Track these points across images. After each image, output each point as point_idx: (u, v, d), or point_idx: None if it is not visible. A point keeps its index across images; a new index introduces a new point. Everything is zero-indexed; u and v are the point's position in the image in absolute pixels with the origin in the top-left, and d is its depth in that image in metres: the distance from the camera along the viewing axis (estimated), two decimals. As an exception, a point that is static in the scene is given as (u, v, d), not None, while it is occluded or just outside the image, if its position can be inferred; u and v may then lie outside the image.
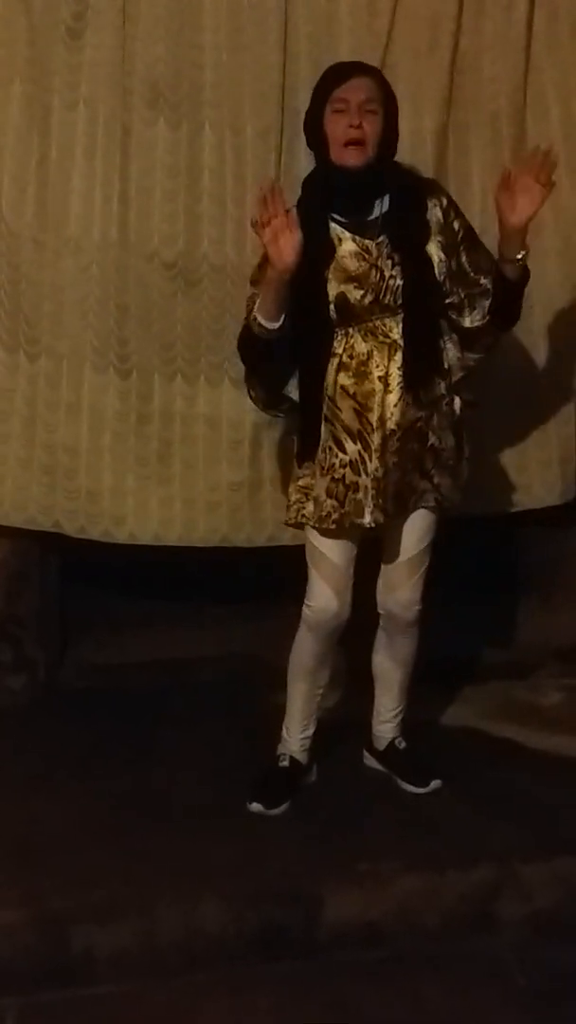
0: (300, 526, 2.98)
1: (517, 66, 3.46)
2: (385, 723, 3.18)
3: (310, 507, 2.92)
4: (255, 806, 2.98)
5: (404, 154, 3.40)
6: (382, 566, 3.03)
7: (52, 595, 3.65)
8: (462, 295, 2.90)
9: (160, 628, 3.73)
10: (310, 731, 3.10)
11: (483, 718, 3.52)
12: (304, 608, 2.99)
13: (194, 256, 3.35)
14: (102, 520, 3.44)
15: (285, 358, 2.88)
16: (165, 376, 3.39)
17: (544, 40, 3.48)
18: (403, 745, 3.18)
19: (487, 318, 2.89)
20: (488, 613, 3.86)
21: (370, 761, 3.23)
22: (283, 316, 2.78)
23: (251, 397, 3.06)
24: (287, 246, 2.70)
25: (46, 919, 2.58)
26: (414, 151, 3.42)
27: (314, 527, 2.92)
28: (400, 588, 3.01)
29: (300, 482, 2.95)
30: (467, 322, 2.91)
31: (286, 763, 3.09)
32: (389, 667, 3.12)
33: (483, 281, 2.89)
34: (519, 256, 2.81)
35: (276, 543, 3.47)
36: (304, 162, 3.35)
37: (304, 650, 3.02)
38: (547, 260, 3.57)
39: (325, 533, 2.93)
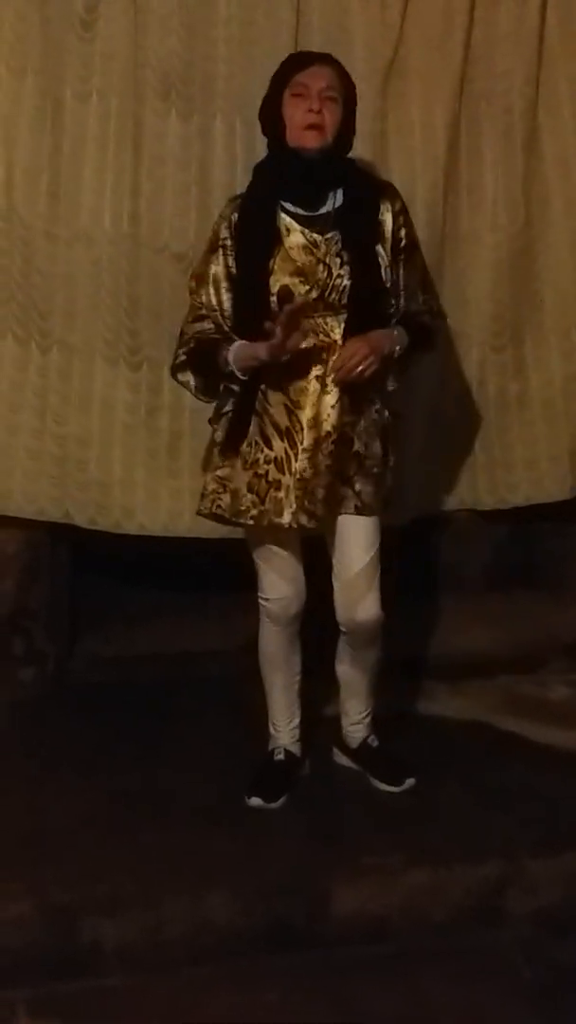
0: (216, 518, 2.91)
1: (530, 59, 3.46)
2: (355, 724, 3.13)
3: (226, 499, 2.85)
4: (254, 801, 2.97)
5: (416, 146, 3.43)
6: (335, 584, 2.94)
7: (62, 588, 3.66)
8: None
9: (170, 621, 3.74)
10: (296, 721, 3.09)
11: (490, 712, 3.52)
12: (261, 602, 2.97)
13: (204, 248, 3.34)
14: (112, 511, 3.45)
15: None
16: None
17: (557, 33, 3.48)
18: (376, 743, 3.13)
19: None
20: (496, 608, 3.86)
21: (340, 759, 3.18)
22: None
23: (181, 383, 3.00)
24: (292, 347, 2.68)
25: (55, 911, 2.58)
26: (426, 144, 3.43)
27: (228, 519, 2.87)
28: (359, 603, 2.91)
29: (218, 472, 2.88)
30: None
31: (281, 756, 3.09)
32: (355, 675, 3.06)
33: (402, 303, 2.86)
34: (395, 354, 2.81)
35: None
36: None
37: (270, 642, 3.01)
38: (558, 255, 3.57)
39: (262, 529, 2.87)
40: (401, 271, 2.86)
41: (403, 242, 2.87)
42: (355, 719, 3.13)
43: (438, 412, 3.56)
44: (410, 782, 3.07)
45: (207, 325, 2.87)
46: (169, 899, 2.63)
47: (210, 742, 3.30)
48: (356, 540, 2.89)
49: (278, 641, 3.00)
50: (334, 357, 2.76)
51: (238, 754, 3.20)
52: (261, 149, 3.29)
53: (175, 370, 2.97)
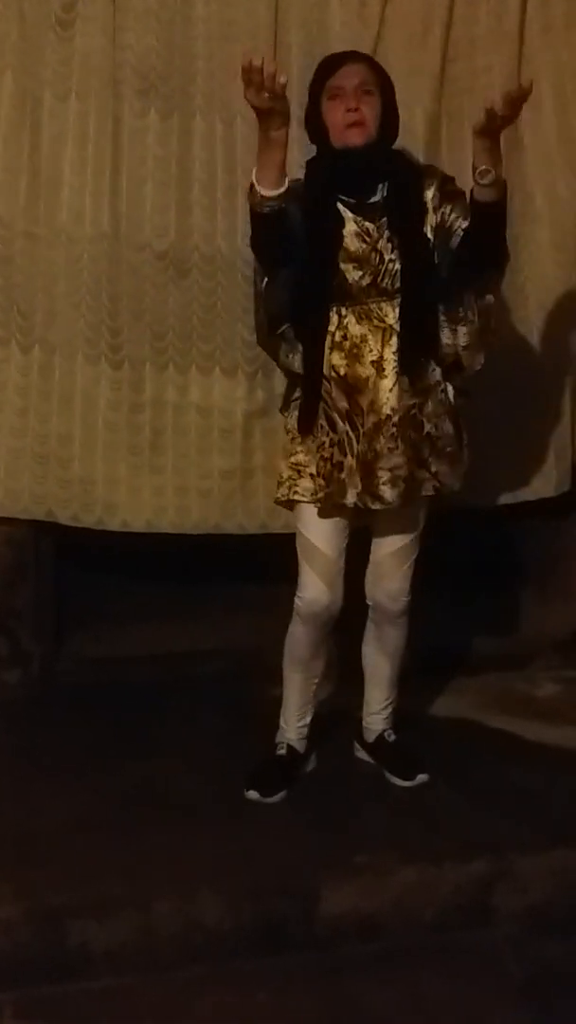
0: (290, 504, 2.96)
1: (511, 55, 3.46)
2: (374, 715, 3.17)
3: (304, 483, 2.91)
4: (251, 794, 2.98)
5: (397, 142, 3.41)
6: (371, 558, 3.02)
7: (48, 588, 3.65)
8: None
9: (157, 621, 3.72)
10: (307, 719, 3.11)
11: (479, 710, 3.52)
12: (296, 600, 2.98)
13: (185, 246, 3.36)
14: (95, 508, 3.45)
15: (290, 243, 2.78)
16: (157, 366, 3.41)
17: (538, 29, 3.48)
18: (392, 738, 3.17)
19: (468, 238, 2.79)
20: (484, 604, 3.86)
21: (360, 753, 3.22)
22: (285, 181, 2.72)
23: (256, 325, 3.00)
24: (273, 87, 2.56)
25: (43, 913, 2.57)
26: (404, 139, 3.41)
27: (307, 502, 2.91)
28: (388, 578, 3.01)
29: (292, 459, 2.94)
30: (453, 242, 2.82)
31: (283, 751, 3.10)
32: (379, 659, 3.12)
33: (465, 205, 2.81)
34: (485, 171, 2.69)
35: (268, 531, 3.49)
36: (295, 153, 3.33)
37: (297, 641, 3.02)
38: (542, 252, 3.57)
39: (315, 524, 2.92)
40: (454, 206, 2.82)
41: (449, 202, 2.83)
42: (375, 709, 3.16)
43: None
44: (422, 778, 3.09)
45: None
46: (158, 900, 2.62)
47: (199, 742, 3.29)
48: (401, 520, 2.96)
49: (305, 641, 3.01)
50: (391, 345, 2.80)
51: (228, 754, 3.20)
52: (240, 147, 3.32)
53: (256, 306, 2.96)
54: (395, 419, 2.84)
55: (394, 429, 2.84)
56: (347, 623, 3.05)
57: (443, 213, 2.84)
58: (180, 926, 2.61)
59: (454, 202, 2.84)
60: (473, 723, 3.45)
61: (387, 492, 2.85)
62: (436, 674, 3.57)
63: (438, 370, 2.93)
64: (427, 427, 2.90)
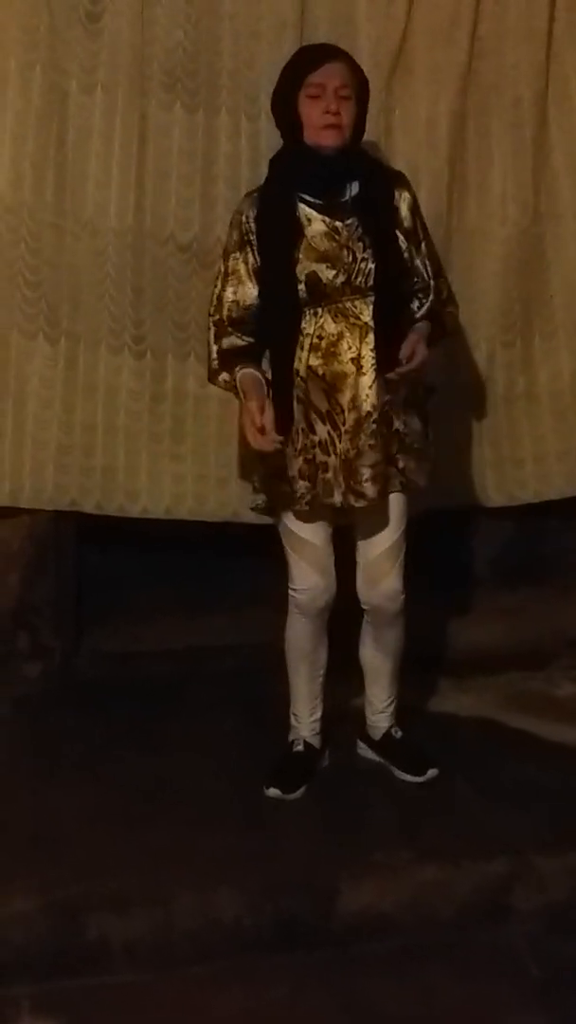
0: (269, 512, 2.98)
1: (539, 52, 3.44)
2: (379, 713, 3.15)
3: (282, 487, 2.91)
4: (272, 791, 2.98)
5: (422, 140, 3.42)
6: (359, 562, 3.00)
7: (68, 583, 3.65)
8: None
9: (176, 617, 3.72)
10: (318, 714, 3.10)
11: (498, 709, 3.50)
12: (291, 593, 2.99)
13: (208, 239, 3.36)
14: (117, 496, 3.48)
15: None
16: (179, 356, 3.43)
17: (566, 26, 3.46)
18: (399, 734, 3.15)
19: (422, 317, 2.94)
20: (504, 604, 3.84)
21: (365, 751, 3.19)
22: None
23: (221, 385, 3.04)
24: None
25: (61, 908, 2.57)
26: (432, 137, 3.43)
27: (289, 510, 2.92)
28: (382, 580, 2.98)
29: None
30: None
31: (300, 748, 3.10)
32: (378, 659, 3.10)
33: (425, 278, 2.94)
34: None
35: None
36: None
37: (297, 634, 3.02)
38: (567, 247, 3.55)
39: (300, 515, 2.93)
40: (421, 252, 2.94)
41: (417, 228, 2.93)
42: (378, 708, 3.15)
43: (446, 407, 3.54)
44: (432, 772, 3.08)
45: (237, 341, 2.94)
46: (177, 896, 2.62)
47: (218, 737, 3.29)
48: (383, 519, 2.94)
49: (306, 633, 3.02)
50: (368, 342, 2.82)
51: (246, 749, 3.20)
52: (265, 142, 3.32)
53: (212, 376, 3.03)
54: (375, 416, 2.84)
55: (374, 426, 2.84)
56: (357, 621, 3.05)
57: (417, 248, 2.92)
58: (198, 922, 2.61)
59: (426, 251, 2.94)
60: (492, 722, 3.44)
61: (369, 489, 2.85)
62: (455, 673, 3.56)
63: None
64: (396, 423, 2.90)
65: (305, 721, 3.10)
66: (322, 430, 2.87)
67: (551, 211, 3.52)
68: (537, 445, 3.63)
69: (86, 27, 3.25)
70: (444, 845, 2.80)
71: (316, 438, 2.87)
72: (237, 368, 2.93)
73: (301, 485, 2.88)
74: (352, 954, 2.63)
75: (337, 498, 2.87)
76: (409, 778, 3.08)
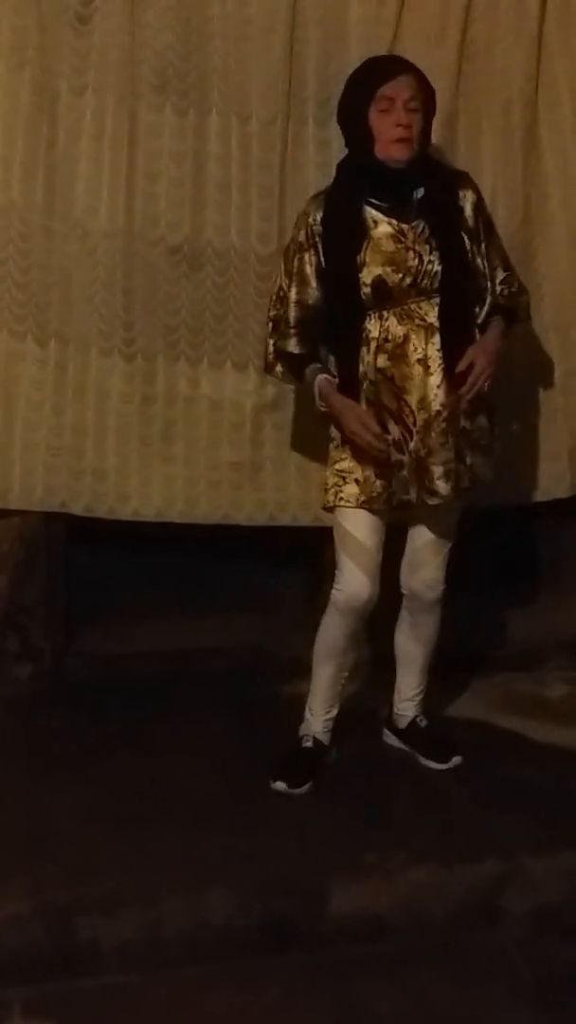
0: (333, 508, 3.01)
1: (530, 55, 3.44)
2: (407, 701, 3.22)
3: (349, 488, 2.96)
4: (279, 785, 3.00)
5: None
6: (407, 547, 3.08)
7: (58, 584, 3.65)
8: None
9: (166, 618, 3.72)
10: (333, 713, 3.13)
11: (489, 710, 3.52)
12: (334, 592, 3.02)
13: (198, 241, 3.36)
14: (107, 498, 3.47)
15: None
16: (169, 359, 3.42)
17: (556, 28, 3.47)
18: (425, 723, 3.22)
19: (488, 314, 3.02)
20: (496, 605, 3.85)
21: (390, 739, 3.26)
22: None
23: (276, 375, 3.15)
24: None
25: (52, 910, 2.57)
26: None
27: (354, 507, 2.96)
28: (425, 568, 3.06)
29: (337, 466, 2.99)
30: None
31: (309, 743, 3.12)
32: (412, 647, 3.17)
33: (495, 275, 3.01)
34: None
35: (276, 523, 3.53)
36: (311, 150, 3.35)
37: (331, 633, 3.05)
38: (557, 251, 3.56)
39: (357, 520, 2.96)
40: (483, 251, 3.00)
41: (482, 226, 3.00)
42: (407, 695, 3.22)
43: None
44: (457, 760, 3.15)
45: (294, 348, 3.03)
46: (167, 897, 2.62)
47: (209, 738, 3.29)
48: (439, 511, 3.00)
49: (338, 634, 3.05)
50: (434, 343, 2.89)
51: (237, 751, 3.20)
52: (255, 144, 3.33)
53: (268, 368, 3.14)
54: (444, 414, 2.89)
55: (444, 424, 2.90)
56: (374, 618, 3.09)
57: (481, 247, 2.98)
58: (189, 923, 2.61)
59: (492, 249, 3.01)
60: (483, 723, 3.45)
61: (441, 486, 2.91)
62: (447, 674, 3.54)
63: None
64: (463, 421, 2.95)
65: (319, 718, 3.13)
66: (395, 430, 2.92)
67: (541, 214, 3.53)
68: (527, 448, 3.63)
69: (76, 29, 3.24)
70: (436, 847, 2.81)
71: (390, 437, 2.91)
72: (309, 367, 3.02)
73: (378, 484, 2.93)
74: (344, 956, 2.63)
75: (412, 495, 2.93)
76: (435, 765, 3.15)
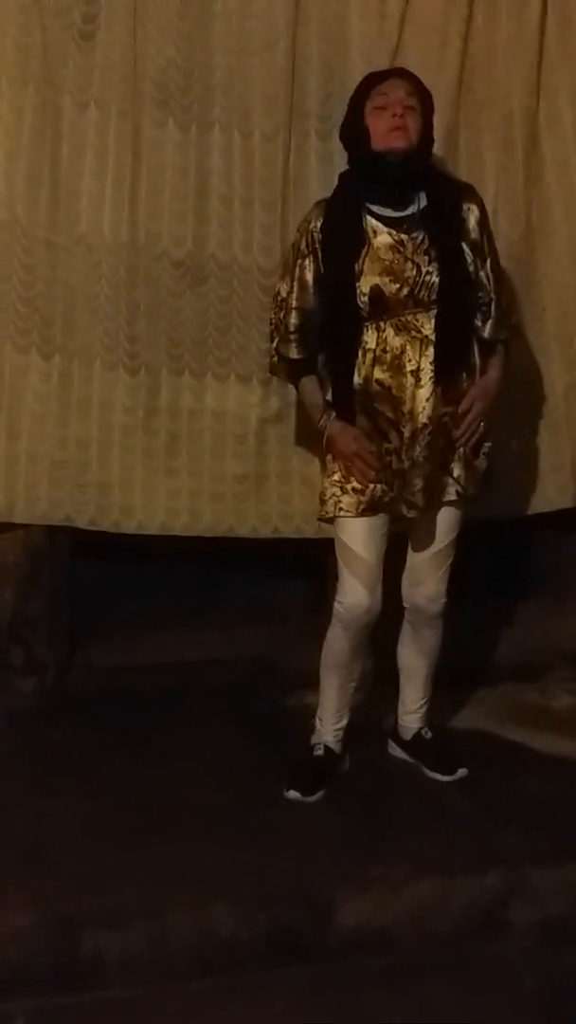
0: (331, 520, 3.02)
1: (530, 67, 3.46)
2: (411, 714, 3.23)
3: (348, 499, 2.96)
4: (292, 794, 3.01)
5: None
6: (408, 561, 3.08)
7: (62, 597, 3.65)
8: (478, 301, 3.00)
9: (170, 631, 3.72)
10: (344, 722, 3.14)
11: (493, 721, 3.52)
12: (336, 605, 3.02)
13: (202, 255, 3.37)
14: (112, 511, 3.47)
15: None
16: (173, 372, 3.43)
17: (556, 41, 3.48)
18: (430, 735, 3.22)
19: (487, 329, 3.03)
20: (499, 616, 3.85)
21: (395, 751, 3.27)
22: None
23: (278, 373, 3.20)
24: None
25: (56, 923, 2.57)
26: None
27: (352, 518, 2.96)
28: (426, 582, 3.06)
29: (334, 476, 3.00)
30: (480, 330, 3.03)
31: (321, 752, 3.13)
32: (415, 659, 3.17)
33: (489, 292, 3.01)
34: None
35: (280, 535, 3.52)
36: (313, 164, 3.36)
37: (336, 645, 3.06)
38: (559, 262, 3.56)
39: (356, 531, 2.96)
40: (486, 267, 3.00)
41: (483, 241, 2.99)
42: (411, 708, 3.22)
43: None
44: (462, 772, 3.15)
45: (293, 353, 3.04)
46: (172, 910, 2.62)
47: (212, 752, 3.28)
48: (439, 525, 3.02)
49: (343, 646, 3.05)
50: (427, 355, 2.89)
51: (241, 764, 3.20)
52: (258, 159, 3.34)
53: (273, 369, 3.19)
54: (430, 428, 2.89)
55: (428, 437, 2.90)
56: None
57: (484, 262, 2.99)
58: (194, 936, 2.61)
59: (493, 266, 3.00)
60: (487, 734, 3.45)
61: (419, 499, 2.91)
62: (450, 685, 3.54)
63: (469, 380, 3.01)
64: (454, 434, 2.96)
65: (329, 727, 3.14)
66: (395, 438, 2.92)
67: (542, 225, 3.53)
68: (530, 459, 3.63)
69: (79, 44, 3.25)
70: (441, 859, 2.80)
71: (391, 446, 2.92)
72: (323, 415, 3.03)
73: (378, 489, 2.93)
74: (349, 968, 2.62)
75: (404, 508, 2.94)
76: (439, 777, 3.15)
